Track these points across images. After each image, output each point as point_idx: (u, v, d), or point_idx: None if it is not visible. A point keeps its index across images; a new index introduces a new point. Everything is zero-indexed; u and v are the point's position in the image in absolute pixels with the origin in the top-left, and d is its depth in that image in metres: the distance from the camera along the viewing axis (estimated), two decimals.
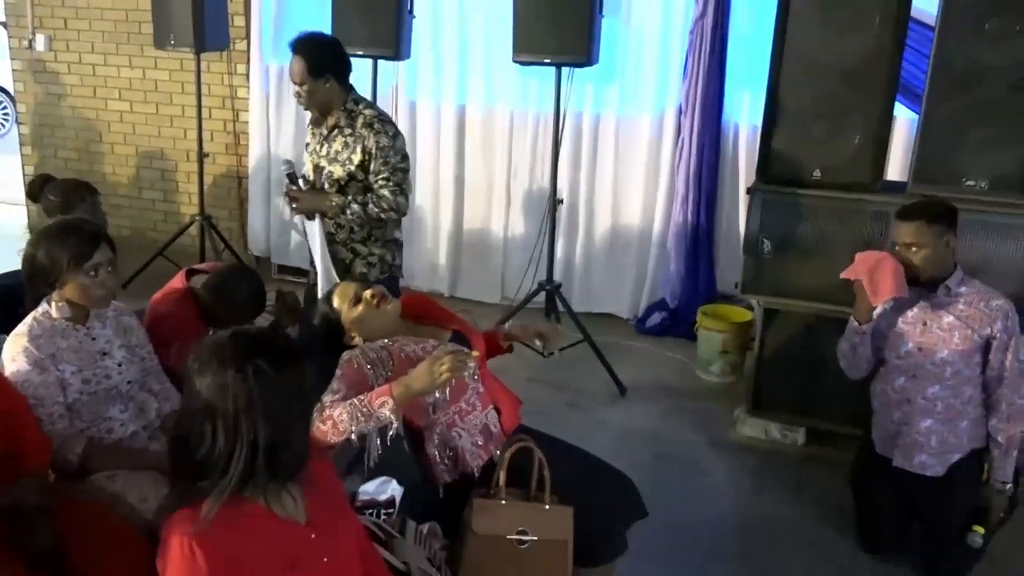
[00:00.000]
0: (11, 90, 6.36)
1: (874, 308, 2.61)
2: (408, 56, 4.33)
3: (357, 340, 2.26)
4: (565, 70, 3.94)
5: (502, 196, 4.84)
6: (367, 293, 2.27)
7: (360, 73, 4.65)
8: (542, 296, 4.17)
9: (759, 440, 3.54)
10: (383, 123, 3.07)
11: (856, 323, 2.69)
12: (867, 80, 3.11)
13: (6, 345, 2.05)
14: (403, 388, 1.97)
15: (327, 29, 4.22)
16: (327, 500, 1.61)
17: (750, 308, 4.10)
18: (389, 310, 2.27)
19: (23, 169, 6.23)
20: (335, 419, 1.98)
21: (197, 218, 5.17)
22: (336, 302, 2.29)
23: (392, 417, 1.97)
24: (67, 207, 3.01)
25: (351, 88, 3.14)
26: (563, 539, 2.10)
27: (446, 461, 2.21)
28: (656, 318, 4.58)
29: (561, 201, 4.20)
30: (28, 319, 2.08)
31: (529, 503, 2.13)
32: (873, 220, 3.16)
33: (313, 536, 1.54)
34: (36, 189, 3.30)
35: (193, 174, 5.36)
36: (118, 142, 5.78)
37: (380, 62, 4.33)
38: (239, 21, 5.18)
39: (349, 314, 2.26)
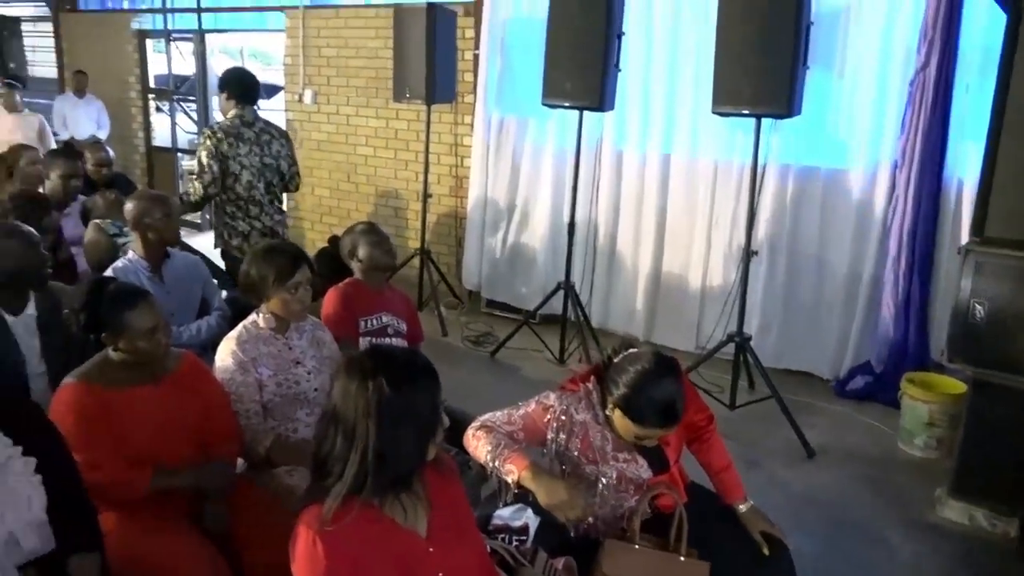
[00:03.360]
0: None
1: None
2: (612, 108, 4.49)
3: (596, 406, 2.11)
4: (767, 121, 3.89)
5: (702, 245, 4.81)
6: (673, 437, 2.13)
7: (567, 123, 4.94)
8: (731, 347, 4.09)
9: (961, 526, 3.20)
10: (204, 133, 4.07)
11: None
12: None
13: (220, 347, 2.43)
14: (530, 478, 1.93)
15: (540, 84, 4.50)
16: (450, 519, 1.66)
17: (967, 380, 3.72)
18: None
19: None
20: (479, 444, 2.04)
21: (417, 252, 5.64)
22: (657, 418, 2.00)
23: (511, 487, 1.96)
24: None
25: (247, 109, 4.06)
26: None
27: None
28: (859, 381, 4.29)
29: (755, 253, 4.11)
30: (239, 326, 2.45)
31: (664, 552, 2.06)
32: None
33: (431, 550, 1.59)
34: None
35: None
36: (362, 182, 6.51)
37: (587, 113, 4.52)
38: (468, 77, 5.66)
39: (630, 431, 2.05)
